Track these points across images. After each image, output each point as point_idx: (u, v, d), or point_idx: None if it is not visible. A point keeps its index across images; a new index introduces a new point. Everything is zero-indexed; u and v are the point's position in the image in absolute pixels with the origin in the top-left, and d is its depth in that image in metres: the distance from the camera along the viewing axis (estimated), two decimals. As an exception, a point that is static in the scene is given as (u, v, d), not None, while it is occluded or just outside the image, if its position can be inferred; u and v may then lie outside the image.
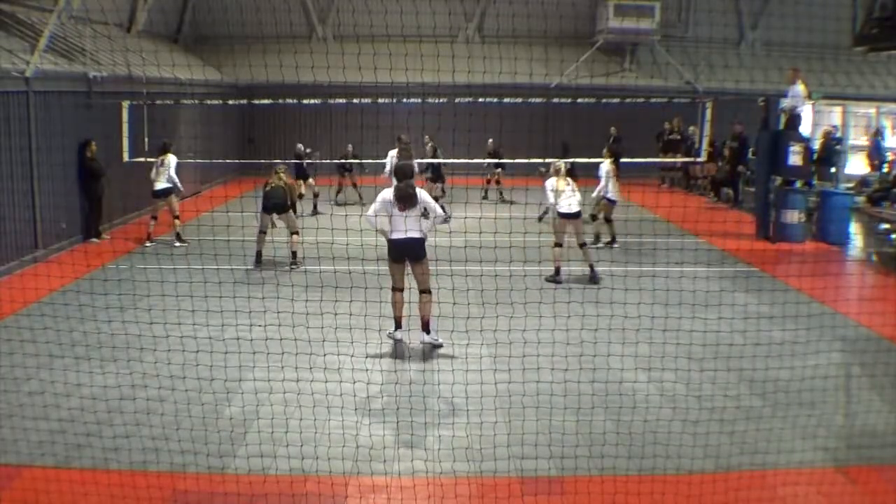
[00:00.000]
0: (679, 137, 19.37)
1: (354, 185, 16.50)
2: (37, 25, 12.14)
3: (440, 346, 7.64)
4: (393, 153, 13.45)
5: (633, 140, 18.19)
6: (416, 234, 7.55)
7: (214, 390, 5.98)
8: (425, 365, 7.31)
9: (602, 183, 11.91)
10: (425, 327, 7.68)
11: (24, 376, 6.63)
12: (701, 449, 5.40)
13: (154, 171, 12.27)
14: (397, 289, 7.74)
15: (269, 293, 9.09)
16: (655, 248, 11.43)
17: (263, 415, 5.78)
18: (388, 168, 13.46)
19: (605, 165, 12.00)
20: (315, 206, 15.62)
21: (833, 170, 17.37)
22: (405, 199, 7.52)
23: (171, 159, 12.35)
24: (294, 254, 11.00)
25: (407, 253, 7.59)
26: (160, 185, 12.29)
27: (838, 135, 18.73)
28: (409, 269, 7.72)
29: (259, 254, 11.01)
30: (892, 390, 6.71)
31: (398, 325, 7.78)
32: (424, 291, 7.63)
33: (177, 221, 12.39)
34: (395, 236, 7.58)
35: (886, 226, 13.60)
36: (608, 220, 12.24)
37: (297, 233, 10.96)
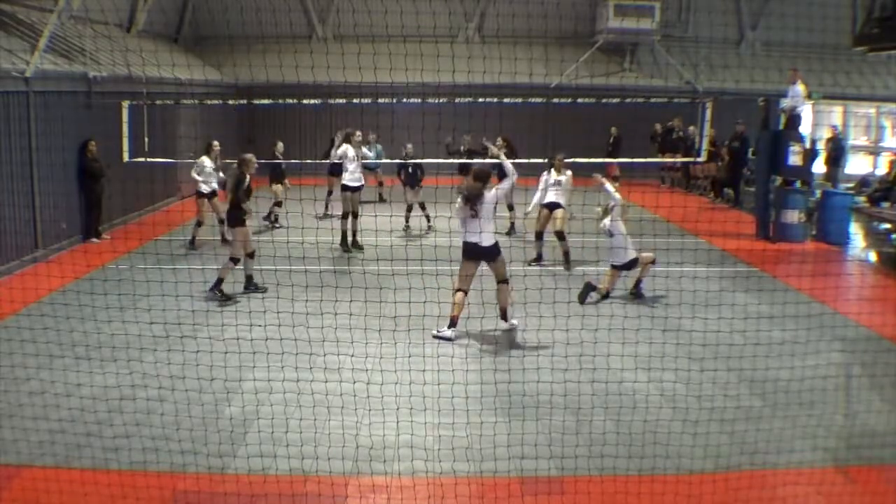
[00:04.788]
0: (681, 136, 19.38)
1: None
2: (37, 25, 12.13)
3: (516, 328, 7.75)
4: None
5: (633, 140, 18.17)
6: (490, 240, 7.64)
7: (214, 390, 5.98)
8: (425, 365, 7.30)
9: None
10: (503, 315, 7.77)
11: (24, 376, 6.62)
12: (701, 449, 5.41)
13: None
14: (462, 290, 7.70)
15: (269, 293, 9.08)
16: (655, 248, 11.39)
17: (263, 415, 5.77)
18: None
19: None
20: (274, 217, 13.47)
21: (845, 170, 17.31)
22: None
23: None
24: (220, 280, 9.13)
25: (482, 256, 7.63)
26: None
27: (839, 135, 18.73)
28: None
29: None
30: (892, 390, 6.71)
31: (453, 324, 7.69)
32: (503, 281, 7.72)
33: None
34: (469, 238, 7.61)
35: (886, 226, 13.61)
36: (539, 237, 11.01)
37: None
